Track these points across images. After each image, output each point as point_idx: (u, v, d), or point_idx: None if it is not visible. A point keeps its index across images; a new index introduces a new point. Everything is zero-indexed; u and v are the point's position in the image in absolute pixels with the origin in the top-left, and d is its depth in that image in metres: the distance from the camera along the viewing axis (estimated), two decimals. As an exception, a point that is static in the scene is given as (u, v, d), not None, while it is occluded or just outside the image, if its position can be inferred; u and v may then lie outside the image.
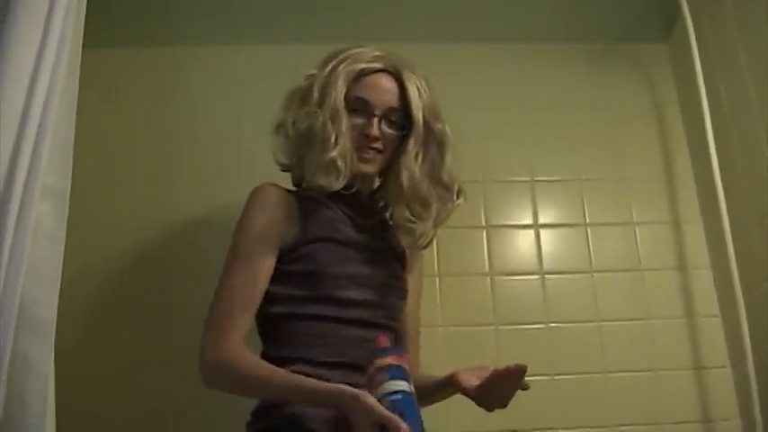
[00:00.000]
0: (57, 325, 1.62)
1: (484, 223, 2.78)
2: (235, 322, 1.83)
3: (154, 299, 2.58)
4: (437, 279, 2.66)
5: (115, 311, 2.56)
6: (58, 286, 1.66)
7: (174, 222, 2.70)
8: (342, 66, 2.08)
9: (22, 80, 1.64)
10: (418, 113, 2.08)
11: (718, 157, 2.64)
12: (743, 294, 2.51)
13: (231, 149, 2.79)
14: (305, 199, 2.05)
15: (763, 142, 2.44)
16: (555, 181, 2.87)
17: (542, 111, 2.92)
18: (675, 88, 2.99)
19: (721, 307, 2.71)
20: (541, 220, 2.81)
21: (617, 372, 2.59)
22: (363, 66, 2.09)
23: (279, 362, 1.81)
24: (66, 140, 1.72)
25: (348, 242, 2.01)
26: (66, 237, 1.70)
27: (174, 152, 2.77)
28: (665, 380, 2.61)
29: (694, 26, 2.79)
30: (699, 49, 2.76)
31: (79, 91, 1.81)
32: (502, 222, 2.80)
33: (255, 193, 2.04)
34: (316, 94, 2.06)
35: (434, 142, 2.11)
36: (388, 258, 2.11)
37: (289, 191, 2.10)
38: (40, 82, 1.65)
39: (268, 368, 1.78)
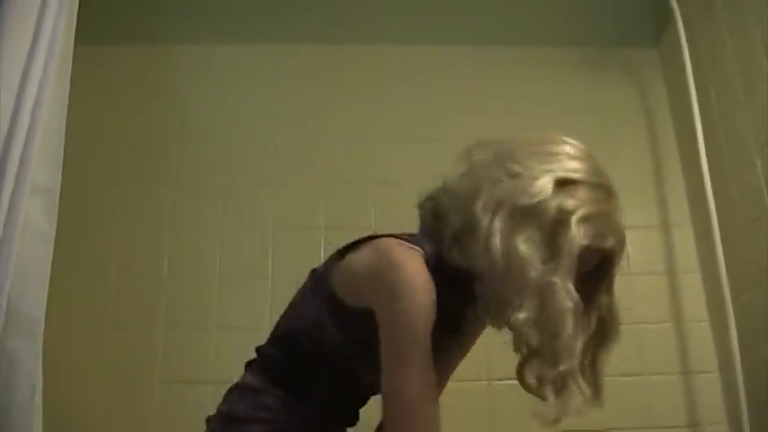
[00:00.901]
0: (45, 323, 1.62)
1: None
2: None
3: (143, 297, 2.59)
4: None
5: (104, 310, 2.57)
6: (47, 284, 1.66)
7: (161, 220, 2.70)
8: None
9: (13, 77, 1.64)
10: None
11: (708, 160, 2.65)
12: (731, 299, 2.52)
13: (217, 146, 2.79)
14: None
15: (752, 146, 2.45)
16: (545, 183, 2.86)
17: (533, 113, 2.92)
18: (666, 92, 3.01)
19: (710, 311, 2.72)
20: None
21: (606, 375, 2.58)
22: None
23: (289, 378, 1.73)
24: (56, 138, 1.72)
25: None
26: (56, 235, 1.70)
27: (161, 148, 2.77)
28: (653, 384, 2.62)
29: (685, 31, 2.80)
30: (689, 54, 2.78)
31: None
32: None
33: (407, 270, 1.55)
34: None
35: None
36: None
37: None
38: (31, 79, 1.65)
39: None
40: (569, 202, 1.50)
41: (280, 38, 2.93)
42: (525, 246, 1.47)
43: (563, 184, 1.52)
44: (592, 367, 1.60)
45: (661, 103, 3.00)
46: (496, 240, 1.48)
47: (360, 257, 1.63)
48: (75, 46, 1.86)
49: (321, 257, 2.64)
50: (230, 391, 1.76)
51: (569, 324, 1.47)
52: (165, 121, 2.84)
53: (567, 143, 1.61)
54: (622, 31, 3.08)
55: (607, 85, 3.00)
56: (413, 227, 1.75)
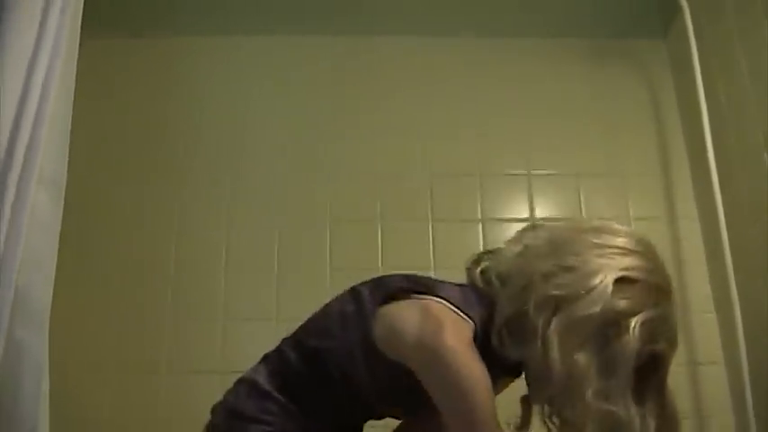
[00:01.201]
0: (51, 315, 1.63)
1: (480, 216, 2.79)
2: None
3: (149, 292, 2.61)
4: (432, 272, 2.66)
5: (110, 301, 2.59)
6: (53, 275, 1.67)
7: (168, 211, 2.71)
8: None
9: (19, 70, 1.66)
10: None
11: (715, 153, 2.65)
12: (737, 291, 2.52)
13: (227, 139, 2.80)
14: None
15: (760, 138, 2.44)
16: (552, 175, 2.89)
17: (540, 105, 2.93)
18: (673, 84, 3.00)
19: (716, 303, 2.72)
20: (538, 214, 2.83)
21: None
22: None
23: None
24: (62, 131, 1.73)
25: None
26: (62, 227, 1.71)
27: (170, 141, 2.78)
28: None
29: (693, 22, 2.79)
30: (697, 46, 2.76)
31: (76, 82, 1.82)
32: (498, 216, 2.81)
33: (462, 361, 1.45)
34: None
35: None
36: None
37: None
38: (37, 72, 1.66)
39: None
40: (628, 307, 1.45)
41: (297, 30, 2.95)
42: (583, 358, 1.42)
43: (621, 282, 1.46)
44: None
45: (668, 95, 2.99)
46: (555, 354, 1.42)
47: (405, 319, 1.53)
48: (81, 40, 1.87)
49: (327, 249, 2.68)
50: (240, 382, 1.73)
51: None
52: (174, 114, 2.85)
53: (624, 235, 1.54)
54: (629, 22, 3.07)
55: (614, 77, 3.00)
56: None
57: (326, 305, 1.73)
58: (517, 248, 1.60)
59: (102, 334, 2.55)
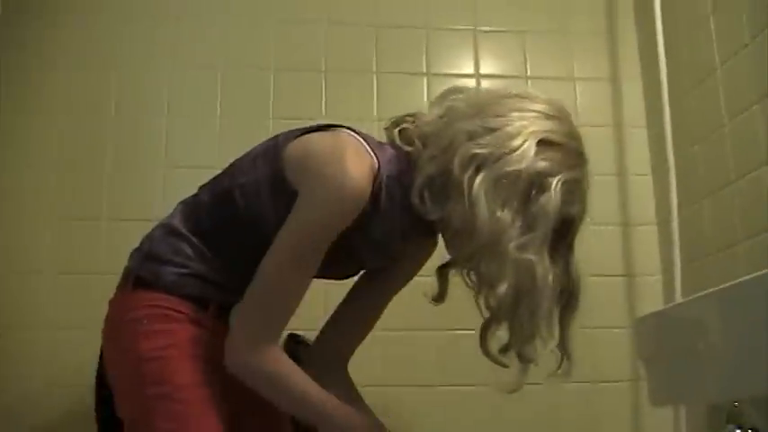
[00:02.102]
0: None
1: (425, 71, 2.77)
2: (281, 328, 1.65)
3: (89, 135, 2.59)
4: (375, 123, 2.66)
5: (50, 146, 2.56)
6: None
7: (109, 55, 2.66)
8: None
9: None
10: None
11: (662, 14, 2.63)
12: (674, 154, 2.55)
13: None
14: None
15: (707, 4, 2.44)
16: (498, 32, 2.86)
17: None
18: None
19: (653, 165, 2.77)
20: (482, 71, 2.81)
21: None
22: None
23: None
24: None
25: None
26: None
27: None
28: (593, 233, 2.66)
29: None
30: None
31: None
32: (443, 71, 2.79)
33: (348, 173, 1.52)
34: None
35: None
36: None
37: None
38: None
39: (307, 386, 1.62)
40: (550, 167, 1.50)
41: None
42: (507, 215, 1.47)
43: (543, 144, 1.50)
44: (560, 334, 1.60)
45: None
46: (481, 209, 1.47)
47: (318, 140, 1.61)
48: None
49: (270, 97, 2.65)
50: (156, 227, 1.78)
51: (546, 302, 1.50)
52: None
53: (543, 101, 1.57)
54: None
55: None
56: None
57: (251, 149, 1.74)
58: (439, 111, 1.63)
59: (41, 181, 2.52)
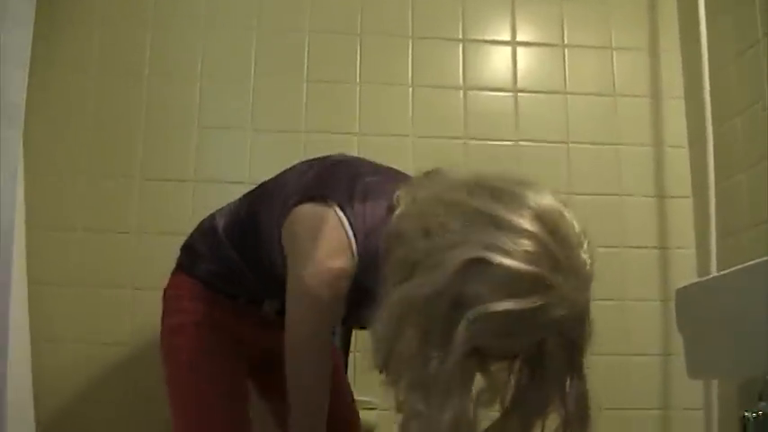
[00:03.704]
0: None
1: (461, 36, 2.74)
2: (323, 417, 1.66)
3: (123, 95, 2.57)
4: (410, 89, 2.64)
5: (85, 105, 2.54)
6: (27, 72, 1.63)
7: (144, 15, 2.64)
8: None
9: None
10: None
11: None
12: (713, 127, 2.52)
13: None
14: None
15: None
16: (536, -1, 2.82)
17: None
18: None
19: (690, 138, 2.73)
20: (519, 38, 2.78)
21: (582, 194, 2.61)
22: None
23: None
24: None
25: None
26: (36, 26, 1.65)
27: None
28: (628, 206, 2.65)
29: None
30: None
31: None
32: (479, 37, 2.76)
33: (323, 286, 1.52)
34: None
35: None
36: None
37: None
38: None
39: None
40: (473, 293, 1.24)
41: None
42: (408, 339, 1.30)
43: (479, 263, 1.24)
44: None
45: None
46: (380, 326, 1.33)
47: (302, 223, 1.57)
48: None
49: (305, 60, 2.63)
50: (206, 219, 1.88)
51: None
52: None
53: (531, 208, 1.28)
54: None
55: None
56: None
57: (284, 172, 1.76)
58: (419, 192, 1.44)
59: (75, 141, 2.50)
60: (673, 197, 2.70)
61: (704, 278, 2.27)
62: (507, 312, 1.22)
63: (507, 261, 1.22)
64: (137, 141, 2.53)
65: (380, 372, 1.37)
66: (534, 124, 2.69)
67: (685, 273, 2.60)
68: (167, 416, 1.75)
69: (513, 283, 1.22)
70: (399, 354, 1.31)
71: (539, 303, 1.22)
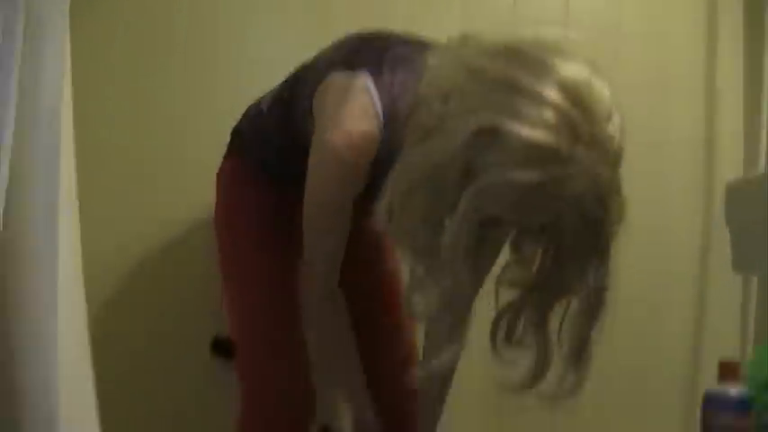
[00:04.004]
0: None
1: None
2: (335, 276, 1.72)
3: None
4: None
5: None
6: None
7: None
8: None
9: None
10: None
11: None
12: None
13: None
14: None
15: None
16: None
17: None
18: None
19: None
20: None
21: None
22: None
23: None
24: None
25: None
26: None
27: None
28: (674, 93, 2.62)
29: None
30: None
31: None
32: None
33: (348, 147, 1.52)
34: None
35: None
36: None
37: None
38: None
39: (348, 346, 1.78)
40: (484, 162, 1.22)
41: None
42: (413, 207, 1.32)
43: (492, 133, 1.21)
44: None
45: None
46: (389, 192, 1.35)
47: (332, 95, 1.57)
48: None
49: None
50: (249, 108, 1.96)
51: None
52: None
53: (559, 80, 1.21)
54: None
55: None
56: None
57: (321, 51, 1.75)
58: (438, 61, 1.41)
59: (111, 72, 2.38)
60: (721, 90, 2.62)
61: (757, 173, 2.26)
62: (519, 183, 1.19)
63: (523, 130, 1.18)
64: (175, 74, 2.42)
65: (383, 231, 1.39)
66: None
67: (732, 167, 2.56)
68: (219, 295, 1.86)
69: (528, 154, 1.18)
70: (407, 216, 1.33)
71: (553, 176, 1.19)
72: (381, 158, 1.47)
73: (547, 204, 1.23)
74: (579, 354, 1.34)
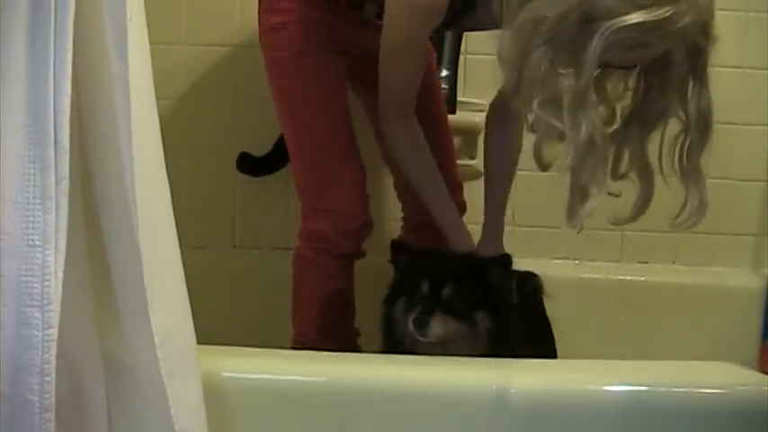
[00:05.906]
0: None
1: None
2: (411, 102, 1.81)
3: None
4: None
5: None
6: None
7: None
8: None
9: None
10: None
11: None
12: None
13: None
14: None
15: None
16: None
17: None
18: None
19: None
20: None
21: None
22: None
23: None
24: None
25: None
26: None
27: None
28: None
29: None
30: None
31: None
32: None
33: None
34: None
35: None
36: None
37: None
38: None
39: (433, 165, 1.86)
40: (601, 6, 1.29)
41: None
42: (540, 52, 1.35)
43: None
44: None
45: None
46: (509, 34, 1.40)
47: None
48: None
49: None
50: None
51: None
52: None
53: None
54: None
55: None
56: None
57: None
58: None
59: None
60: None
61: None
62: (639, 24, 1.27)
63: None
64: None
65: (512, 96, 1.46)
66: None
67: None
68: (273, 117, 1.93)
69: None
70: (530, 76, 1.36)
71: (670, 12, 1.28)
72: None
73: (662, 40, 1.33)
74: (698, 176, 1.46)
